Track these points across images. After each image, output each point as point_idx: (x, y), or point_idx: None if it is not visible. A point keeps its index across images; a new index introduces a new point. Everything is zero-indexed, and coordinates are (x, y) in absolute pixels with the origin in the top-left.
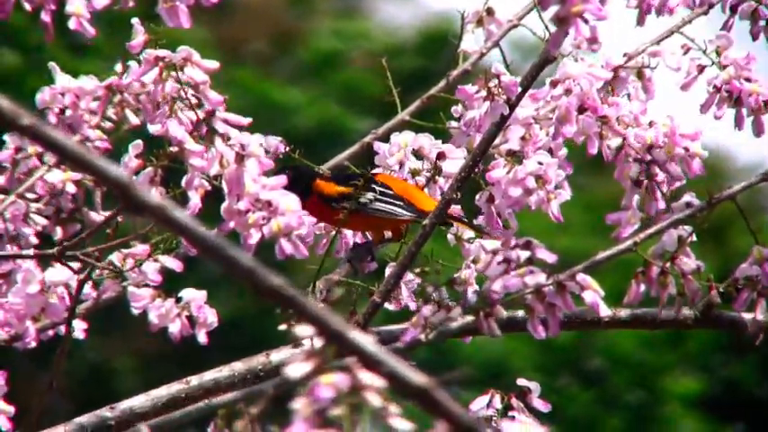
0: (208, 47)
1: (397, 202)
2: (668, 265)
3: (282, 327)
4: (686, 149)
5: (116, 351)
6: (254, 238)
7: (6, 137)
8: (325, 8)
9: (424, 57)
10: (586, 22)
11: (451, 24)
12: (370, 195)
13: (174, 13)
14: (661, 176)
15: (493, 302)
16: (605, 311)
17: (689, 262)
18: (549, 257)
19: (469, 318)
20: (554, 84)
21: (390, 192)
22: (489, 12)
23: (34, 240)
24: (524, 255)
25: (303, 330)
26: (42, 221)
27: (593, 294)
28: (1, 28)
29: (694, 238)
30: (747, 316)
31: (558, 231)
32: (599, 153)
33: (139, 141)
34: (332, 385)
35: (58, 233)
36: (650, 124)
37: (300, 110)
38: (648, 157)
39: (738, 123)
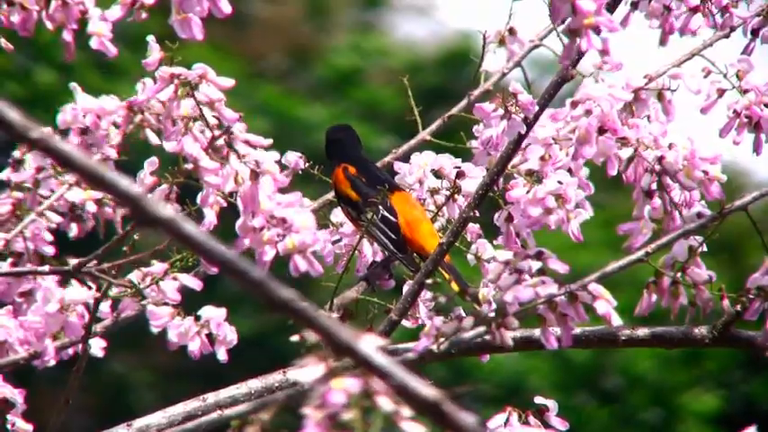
0: (226, 62)
1: (391, 235)
2: (679, 275)
3: (295, 338)
4: (705, 173)
5: (136, 367)
6: (269, 254)
7: (28, 156)
8: (342, 23)
9: (443, 74)
10: (598, 33)
11: (470, 42)
12: (370, 215)
13: (186, 24)
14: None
15: (505, 313)
16: (617, 321)
17: (700, 272)
18: (561, 268)
19: (482, 328)
20: (574, 104)
21: (392, 221)
22: (511, 31)
23: (51, 251)
24: (536, 265)
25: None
26: (57, 219)
27: (606, 305)
28: (35, 46)
29: (705, 248)
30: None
31: (576, 248)
32: (617, 172)
33: (154, 158)
34: (343, 390)
35: (74, 230)
36: (670, 146)
37: (321, 127)
38: (659, 167)
39: (756, 149)
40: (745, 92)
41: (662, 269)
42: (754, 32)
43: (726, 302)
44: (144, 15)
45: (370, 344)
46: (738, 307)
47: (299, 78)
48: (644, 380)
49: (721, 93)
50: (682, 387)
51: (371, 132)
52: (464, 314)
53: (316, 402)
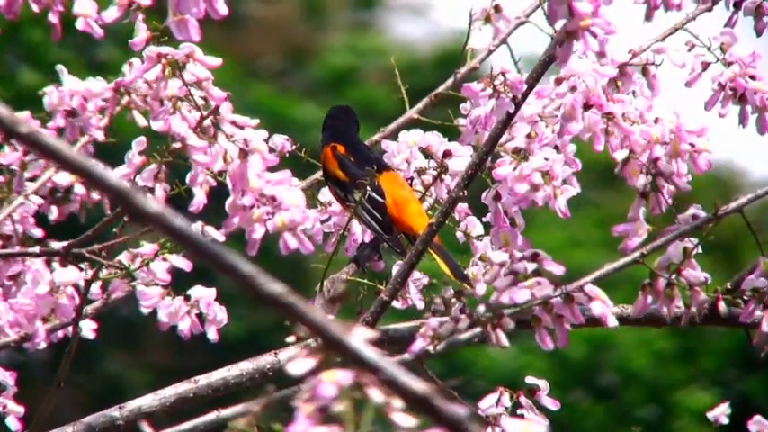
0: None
1: (377, 216)
2: (674, 276)
3: (290, 338)
4: (692, 146)
5: (131, 365)
6: (259, 233)
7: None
8: (337, 23)
9: (439, 74)
10: (595, 36)
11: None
12: (357, 196)
13: (183, 26)
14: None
15: (500, 314)
16: (613, 322)
17: (695, 274)
18: (557, 269)
19: (477, 329)
20: (559, 81)
21: (379, 201)
22: (497, 9)
23: (39, 233)
24: (531, 267)
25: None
26: (38, 200)
27: (602, 306)
28: (19, 45)
29: (700, 249)
30: (756, 313)
31: (571, 247)
32: (611, 171)
33: (143, 138)
34: (334, 382)
35: (54, 213)
36: (656, 121)
37: (316, 126)
38: (654, 169)
39: (742, 121)
40: (729, 64)
41: (657, 270)
42: (737, 5)
43: (721, 304)
44: (141, 17)
45: (359, 338)
46: (729, 285)
47: (294, 78)
48: (639, 377)
49: (705, 66)
50: (677, 384)
51: (367, 131)
52: (456, 304)
53: (306, 395)
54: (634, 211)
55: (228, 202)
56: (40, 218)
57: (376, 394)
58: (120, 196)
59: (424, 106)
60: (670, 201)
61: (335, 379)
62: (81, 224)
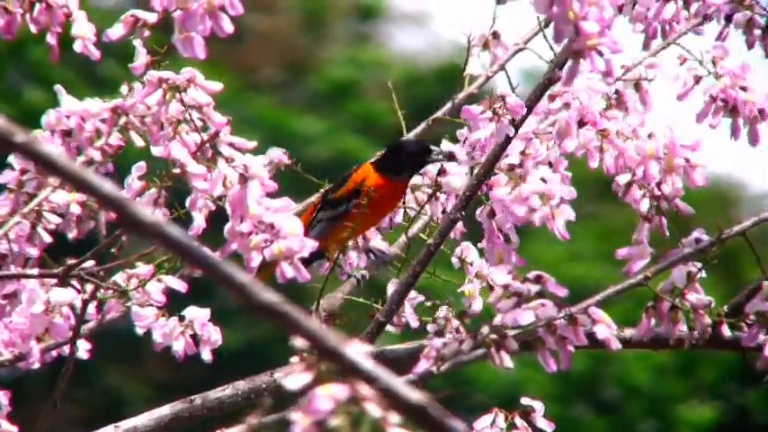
0: (221, 75)
1: None
2: (678, 300)
3: (294, 359)
4: (687, 160)
5: (129, 380)
6: (256, 260)
7: (12, 158)
8: (337, 35)
9: (440, 86)
10: (601, 55)
11: (466, 52)
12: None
13: (189, 43)
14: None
15: (504, 335)
16: (617, 346)
17: (700, 297)
18: (560, 291)
19: (481, 350)
20: (552, 97)
21: None
22: (495, 35)
23: (43, 245)
24: (535, 289)
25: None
26: (56, 219)
27: (606, 329)
28: (23, 63)
29: (704, 274)
30: (759, 337)
31: (570, 260)
32: (609, 183)
33: (142, 163)
34: (330, 396)
35: (73, 232)
36: (649, 136)
37: (316, 140)
38: (658, 192)
39: (734, 133)
40: (720, 77)
41: (661, 294)
42: (728, 18)
43: (725, 328)
44: (146, 33)
45: (356, 348)
46: (726, 308)
47: (294, 91)
48: (641, 390)
49: (698, 79)
50: (678, 398)
51: (367, 145)
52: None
53: (302, 408)
54: (638, 235)
55: (227, 227)
56: (57, 234)
57: (373, 408)
58: (116, 205)
59: (421, 131)
60: (671, 222)
61: (331, 393)
62: (81, 243)
